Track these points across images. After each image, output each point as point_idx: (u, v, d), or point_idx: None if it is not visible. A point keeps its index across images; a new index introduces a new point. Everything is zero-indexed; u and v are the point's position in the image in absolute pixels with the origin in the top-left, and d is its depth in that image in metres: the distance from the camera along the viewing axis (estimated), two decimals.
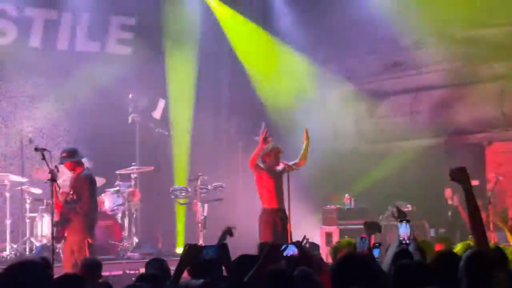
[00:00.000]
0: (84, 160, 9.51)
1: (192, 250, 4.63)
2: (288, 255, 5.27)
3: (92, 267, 6.40)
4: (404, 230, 5.29)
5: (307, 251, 5.59)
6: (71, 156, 9.30)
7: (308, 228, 11.75)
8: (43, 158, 8.97)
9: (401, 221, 5.38)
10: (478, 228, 4.68)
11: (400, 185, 12.97)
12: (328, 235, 12.35)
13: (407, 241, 5.27)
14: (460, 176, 4.81)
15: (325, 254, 9.51)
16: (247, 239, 8.43)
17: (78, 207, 9.04)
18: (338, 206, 12.70)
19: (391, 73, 13.69)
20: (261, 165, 10.12)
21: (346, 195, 12.82)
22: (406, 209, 12.65)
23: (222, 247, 4.77)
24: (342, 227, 12.33)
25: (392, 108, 13.75)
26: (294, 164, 10.08)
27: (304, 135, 10.18)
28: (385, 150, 13.74)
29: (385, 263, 5.19)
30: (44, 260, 5.94)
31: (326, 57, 13.94)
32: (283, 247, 4.93)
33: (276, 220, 9.95)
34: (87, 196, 9.14)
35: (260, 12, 14.50)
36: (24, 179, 11.32)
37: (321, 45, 13.81)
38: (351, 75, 14.31)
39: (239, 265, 4.84)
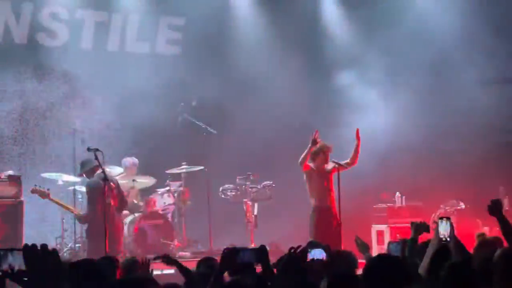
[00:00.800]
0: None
1: (228, 254, 4.63)
2: (315, 258, 5.20)
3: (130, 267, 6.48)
4: (444, 228, 5.25)
5: (336, 255, 5.53)
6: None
7: (358, 227, 11.71)
8: (96, 158, 9.13)
9: (441, 218, 5.34)
10: None
11: (452, 183, 12.81)
12: (379, 234, 12.28)
13: (447, 239, 5.23)
14: (497, 208, 5.33)
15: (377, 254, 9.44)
16: (298, 238, 8.41)
17: None
18: (389, 204, 12.62)
19: None
20: (311, 164, 10.12)
21: (397, 194, 12.72)
22: (459, 207, 12.57)
23: (260, 250, 4.75)
24: (393, 225, 12.24)
25: None
26: (345, 163, 10.06)
27: (356, 135, 10.15)
28: (436, 148, 13.58)
29: (424, 260, 5.15)
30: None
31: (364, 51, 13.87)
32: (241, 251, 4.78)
33: (327, 219, 9.94)
34: None
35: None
36: (77, 179, 11.46)
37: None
38: (393, 72, 14.16)
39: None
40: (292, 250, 4.71)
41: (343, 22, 14.40)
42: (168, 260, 6.00)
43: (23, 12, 12.46)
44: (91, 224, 9.80)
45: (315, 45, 14.47)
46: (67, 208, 10.57)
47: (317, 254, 5.19)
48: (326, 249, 5.34)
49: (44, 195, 10.24)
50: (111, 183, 9.96)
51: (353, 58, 14.00)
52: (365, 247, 6.46)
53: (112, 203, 10.05)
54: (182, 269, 5.74)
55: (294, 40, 14.29)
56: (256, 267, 4.92)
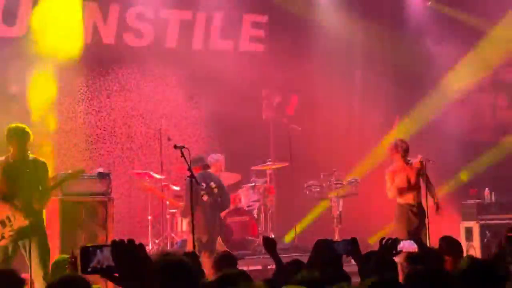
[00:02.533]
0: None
1: (322, 245, 4.63)
2: (407, 251, 5.17)
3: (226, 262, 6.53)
4: None
5: (427, 248, 5.45)
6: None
7: (446, 224, 11.49)
8: (182, 155, 9.24)
9: None
10: None
11: None
12: (468, 231, 12.02)
13: None
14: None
15: (464, 250, 9.25)
16: (383, 235, 8.31)
17: None
18: (478, 200, 12.34)
19: None
20: (394, 161, 9.99)
21: (486, 189, 12.42)
22: None
23: (352, 241, 4.76)
24: (482, 222, 11.96)
25: None
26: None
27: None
28: None
29: None
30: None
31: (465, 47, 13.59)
32: None
33: (411, 216, 9.80)
34: None
35: None
36: (163, 176, 11.63)
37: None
38: (488, 65, 13.87)
39: None
40: (384, 242, 4.71)
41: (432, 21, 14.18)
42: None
43: (110, 13, 12.74)
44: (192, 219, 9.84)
45: (403, 42, 14.27)
46: (172, 202, 10.81)
47: (407, 246, 5.15)
48: (417, 241, 5.29)
49: (149, 189, 10.69)
50: (211, 183, 10.34)
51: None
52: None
53: (210, 201, 10.31)
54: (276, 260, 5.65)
55: (380, 38, 14.14)
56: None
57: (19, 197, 8.17)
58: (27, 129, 8.33)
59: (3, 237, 8.10)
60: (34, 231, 8.17)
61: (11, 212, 8.15)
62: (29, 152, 8.33)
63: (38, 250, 8.12)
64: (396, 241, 4.84)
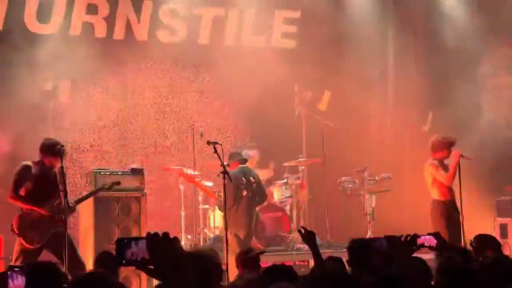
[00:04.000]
0: None
1: (359, 244, 4.65)
2: (426, 245, 5.19)
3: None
4: None
5: (447, 242, 5.42)
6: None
7: (481, 220, 11.40)
8: (215, 151, 9.28)
9: None
10: None
11: None
12: (503, 227, 11.90)
13: None
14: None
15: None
16: (417, 231, 8.25)
17: None
18: None
19: None
20: (433, 156, 9.91)
21: None
22: None
23: (392, 238, 4.79)
24: None
25: None
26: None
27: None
28: None
29: None
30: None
31: (499, 42, 13.43)
32: None
33: (448, 212, 9.72)
34: None
35: None
36: (197, 172, 11.68)
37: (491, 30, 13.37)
38: None
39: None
40: (404, 238, 4.83)
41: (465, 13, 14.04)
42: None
43: (143, 10, 12.82)
44: (228, 214, 9.90)
45: (434, 39, 14.17)
46: (211, 195, 10.90)
47: (428, 240, 5.16)
48: (437, 235, 5.29)
49: (189, 179, 10.89)
50: (251, 178, 10.55)
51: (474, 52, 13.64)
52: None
53: (249, 195, 10.48)
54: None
55: (413, 31, 14.05)
56: None
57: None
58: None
59: None
60: None
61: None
62: None
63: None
64: (415, 236, 4.88)
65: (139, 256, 3.24)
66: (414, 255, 4.96)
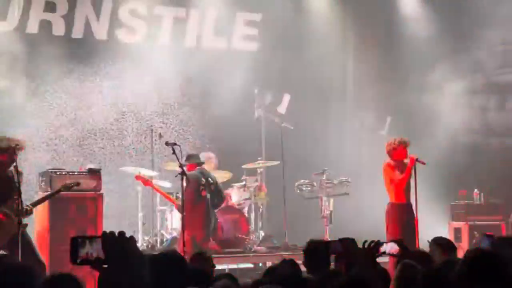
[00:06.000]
0: None
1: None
2: (389, 252, 5.19)
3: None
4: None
5: (408, 249, 5.45)
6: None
7: (435, 224, 11.54)
8: (173, 152, 9.24)
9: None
10: None
11: None
12: (457, 231, 12.07)
13: None
14: None
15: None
16: (374, 234, 8.31)
17: None
18: (467, 201, 12.39)
19: None
20: (388, 159, 9.99)
21: (475, 190, 12.47)
22: None
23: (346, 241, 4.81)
24: (471, 223, 12.01)
25: None
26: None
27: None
28: None
29: None
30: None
31: (454, 48, 13.61)
32: None
33: (403, 215, 9.80)
34: None
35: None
36: (154, 173, 11.62)
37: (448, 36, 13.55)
38: (479, 68, 13.93)
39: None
40: (366, 245, 4.78)
41: (423, 19, 14.21)
42: None
43: (103, 8, 12.71)
44: (187, 215, 9.85)
45: (393, 44, 14.30)
46: (168, 197, 10.84)
47: (390, 247, 5.16)
48: (399, 242, 5.30)
49: (146, 182, 10.82)
50: (209, 179, 10.61)
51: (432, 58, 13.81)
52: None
53: (208, 197, 10.54)
54: None
55: (371, 39, 14.17)
56: None
57: None
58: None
59: None
60: None
61: None
62: None
63: None
64: (378, 243, 4.89)
65: (94, 255, 3.21)
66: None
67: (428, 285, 4.20)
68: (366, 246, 4.87)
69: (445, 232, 11.94)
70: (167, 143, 9.34)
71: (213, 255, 6.79)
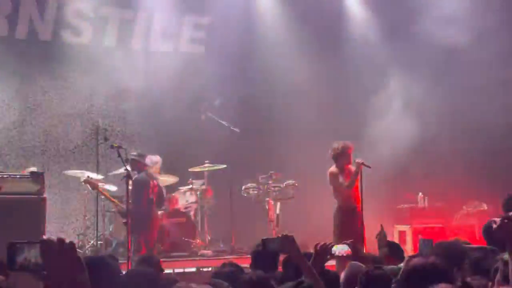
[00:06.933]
0: None
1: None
2: (340, 254, 5.24)
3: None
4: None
5: (360, 251, 5.52)
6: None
7: (380, 227, 11.63)
8: (119, 155, 9.15)
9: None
10: None
11: (475, 184, 12.69)
12: (402, 234, 12.21)
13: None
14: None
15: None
16: (320, 238, 8.35)
17: None
18: (411, 205, 12.54)
19: None
20: (335, 164, 10.05)
21: (420, 194, 12.63)
22: (481, 209, 12.46)
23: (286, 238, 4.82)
24: (415, 226, 12.17)
25: None
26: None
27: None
28: (458, 149, 13.48)
29: None
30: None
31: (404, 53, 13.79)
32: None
33: (350, 219, 9.87)
34: None
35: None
36: (100, 176, 11.49)
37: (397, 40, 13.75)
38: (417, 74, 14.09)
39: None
40: (318, 247, 4.85)
41: (368, 23, 14.34)
42: None
43: (47, 9, 12.52)
44: (135, 218, 9.75)
45: (341, 47, 14.40)
46: (113, 201, 10.72)
47: (341, 249, 5.19)
48: (350, 245, 5.33)
49: (94, 186, 10.68)
50: (154, 181, 10.59)
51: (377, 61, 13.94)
52: (384, 242, 6.41)
53: (153, 200, 10.50)
54: None
55: (318, 40, 14.24)
56: None
57: None
58: None
59: None
60: None
61: None
62: None
63: None
64: (329, 245, 4.91)
65: (32, 261, 3.12)
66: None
67: (368, 285, 4.22)
68: (318, 248, 4.88)
69: (390, 235, 12.07)
70: (112, 146, 9.24)
71: (161, 259, 6.74)
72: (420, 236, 10.61)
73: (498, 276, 3.95)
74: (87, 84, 12.99)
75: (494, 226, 3.86)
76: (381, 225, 6.57)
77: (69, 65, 12.74)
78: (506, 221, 3.70)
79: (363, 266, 4.88)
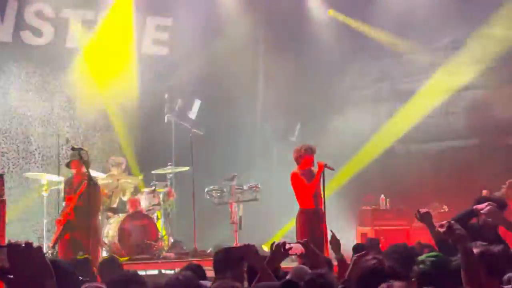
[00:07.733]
0: None
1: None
2: (293, 253, 5.34)
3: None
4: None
5: (314, 250, 5.56)
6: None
7: (343, 229, 11.72)
8: (80, 157, 9.07)
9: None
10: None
11: (436, 186, 12.85)
12: (364, 236, 12.29)
13: None
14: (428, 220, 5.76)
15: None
16: (283, 239, 8.39)
17: None
18: (373, 206, 12.64)
19: (426, 74, 13.56)
20: (297, 166, 10.09)
21: (382, 196, 12.74)
22: (442, 210, 12.59)
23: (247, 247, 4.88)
24: (377, 227, 12.26)
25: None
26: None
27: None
28: (420, 151, 13.63)
29: None
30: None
31: (361, 57, 13.90)
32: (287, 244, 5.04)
33: (313, 221, 9.91)
34: None
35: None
36: (61, 179, 11.37)
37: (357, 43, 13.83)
38: (385, 75, 14.24)
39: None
40: (274, 246, 5.00)
41: (331, 23, 14.43)
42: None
43: (7, 9, 12.36)
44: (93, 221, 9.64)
45: (303, 49, 14.46)
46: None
47: (295, 247, 5.28)
48: (303, 243, 5.40)
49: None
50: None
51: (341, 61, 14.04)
52: (338, 247, 6.44)
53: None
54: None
55: (282, 41, 14.29)
56: None
57: None
58: None
59: None
60: None
61: None
62: None
63: None
64: (284, 243, 4.99)
65: None
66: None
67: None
68: (273, 248, 4.95)
69: (353, 237, 12.16)
70: (73, 148, 9.17)
71: (123, 262, 6.72)
72: (367, 238, 10.79)
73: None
74: (48, 85, 12.85)
75: (441, 230, 3.98)
76: (331, 231, 6.61)
77: (30, 66, 12.62)
78: (447, 222, 3.95)
79: (309, 270, 4.91)
